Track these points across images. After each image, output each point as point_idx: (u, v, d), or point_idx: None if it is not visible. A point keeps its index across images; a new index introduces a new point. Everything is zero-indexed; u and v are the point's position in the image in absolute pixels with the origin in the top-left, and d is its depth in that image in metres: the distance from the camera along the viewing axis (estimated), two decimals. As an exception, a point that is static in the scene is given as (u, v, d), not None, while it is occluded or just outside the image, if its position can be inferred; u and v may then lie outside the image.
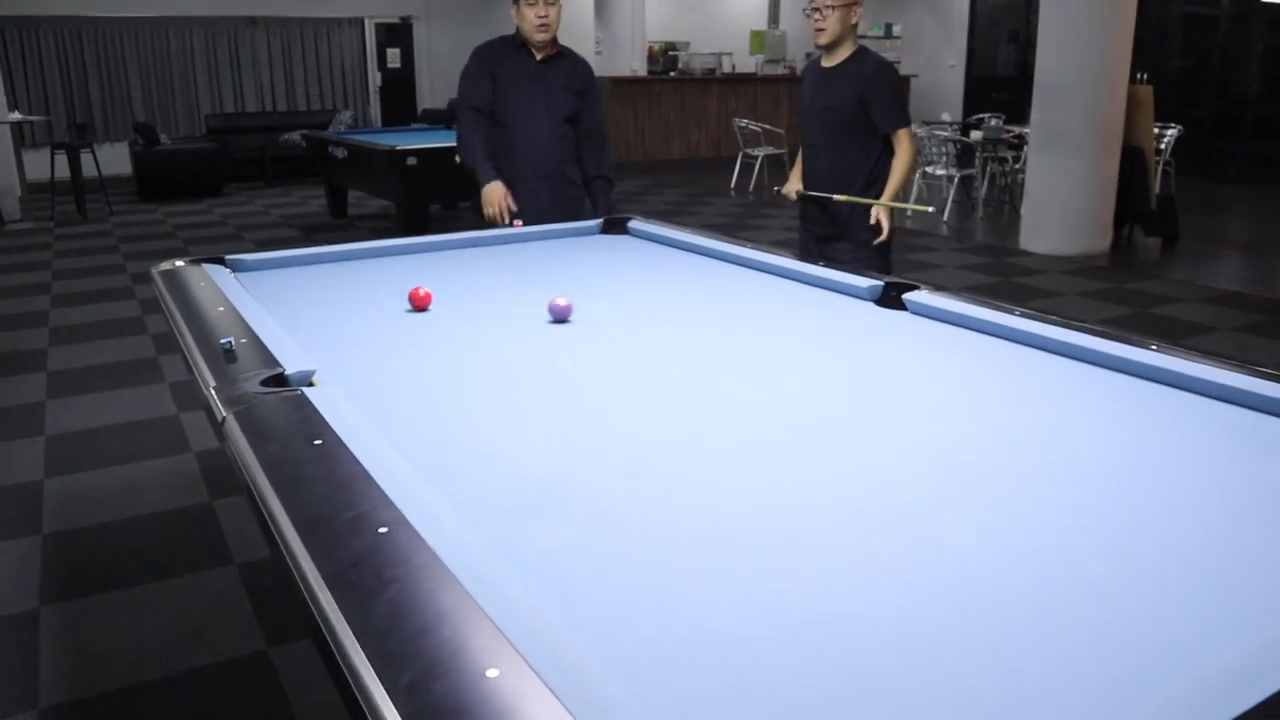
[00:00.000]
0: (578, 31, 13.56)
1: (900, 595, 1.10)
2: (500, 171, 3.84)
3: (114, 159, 12.32)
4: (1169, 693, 0.88)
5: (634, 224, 3.46)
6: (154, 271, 2.69)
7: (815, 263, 2.78)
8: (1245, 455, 1.50)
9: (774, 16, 16.70)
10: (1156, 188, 7.92)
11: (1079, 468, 1.46)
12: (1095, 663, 0.96)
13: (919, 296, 2.34)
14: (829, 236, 3.69)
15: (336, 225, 9.15)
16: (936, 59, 16.18)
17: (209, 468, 3.65)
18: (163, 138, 11.22)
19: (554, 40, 3.87)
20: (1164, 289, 6.59)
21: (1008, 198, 10.00)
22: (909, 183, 3.59)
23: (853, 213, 3.60)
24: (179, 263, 2.76)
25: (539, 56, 3.86)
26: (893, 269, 3.57)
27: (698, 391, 1.84)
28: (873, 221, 3.53)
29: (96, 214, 9.67)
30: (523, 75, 3.86)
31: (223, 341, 1.93)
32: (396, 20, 14.95)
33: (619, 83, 13.45)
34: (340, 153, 8.49)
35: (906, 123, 3.58)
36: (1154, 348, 1.87)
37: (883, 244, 3.59)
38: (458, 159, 4.01)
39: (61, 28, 12.64)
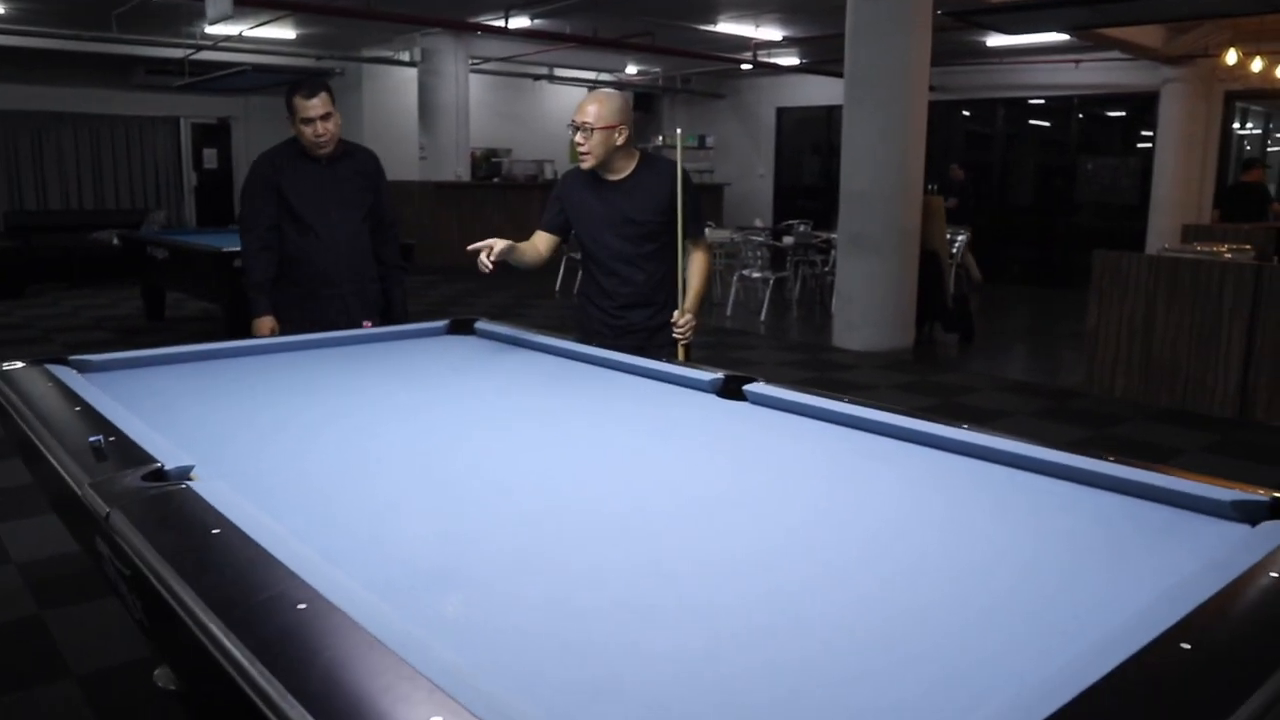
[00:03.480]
0: (402, 137, 13.79)
1: (756, 637, 1.26)
2: (297, 284, 3.87)
3: (-101, 259, 11.53)
4: (1002, 701, 1.06)
5: (480, 324, 3.59)
6: (-6, 373, 2.63)
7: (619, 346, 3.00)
8: (1045, 513, 1.75)
9: (594, 125, 17.30)
10: (951, 288, 8.65)
11: (909, 531, 1.68)
12: (936, 680, 1.14)
13: (758, 388, 2.56)
14: (630, 304, 3.51)
15: (155, 328, 8.84)
16: (748, 168, 17.14)
17: (36, 578, 3.48)
18: (-44, 236, 10.63)
19: (337, 142, 3.82)
20: (963, 380, 7.17)
21: (819, 298, 10.66)
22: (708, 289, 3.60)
23: (656, 281, 3.45)
24: (19, 364, 2.70)
25: (324, 159, 3.81)
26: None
27: (562, 480, 1.97)
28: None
29: (-120, 317, 9.03)
30: (312, 181, 3.80)
31: (92, 440, 1.93)
32: (213, 121, 14.75)
33: (442, 187, 13.64)
34: (161, 253, 8.27)
35: (703, 232, 3.54)
36: (965, 427, 2.13)
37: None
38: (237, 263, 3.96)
39: None
